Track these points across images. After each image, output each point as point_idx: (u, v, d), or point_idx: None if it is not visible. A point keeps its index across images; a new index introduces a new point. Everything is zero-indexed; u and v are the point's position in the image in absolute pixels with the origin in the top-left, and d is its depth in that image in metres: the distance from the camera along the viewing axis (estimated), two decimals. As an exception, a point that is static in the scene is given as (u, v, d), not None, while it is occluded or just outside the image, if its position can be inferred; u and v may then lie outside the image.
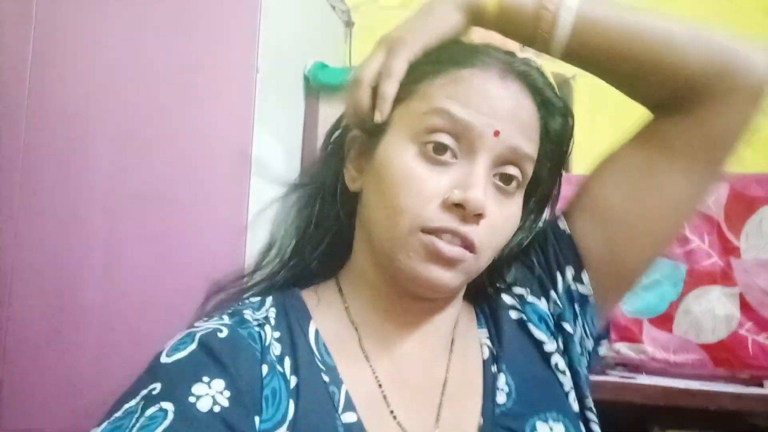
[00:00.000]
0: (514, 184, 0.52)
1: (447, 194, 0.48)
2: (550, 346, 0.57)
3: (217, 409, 0.44)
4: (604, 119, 1.29)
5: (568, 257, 0.59)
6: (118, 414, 0.44)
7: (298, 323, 0.53)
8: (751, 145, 1.22)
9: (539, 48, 0.54)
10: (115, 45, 1.04)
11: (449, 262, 0.49)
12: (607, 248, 0.58)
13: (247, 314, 0.53)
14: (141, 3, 1.03)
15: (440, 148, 0.49)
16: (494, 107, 0.50)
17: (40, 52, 1.06)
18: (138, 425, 0.42)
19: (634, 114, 1.28)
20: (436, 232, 0.48)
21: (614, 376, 1.07)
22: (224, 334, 0.49)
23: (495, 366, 0.55)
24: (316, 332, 0.53)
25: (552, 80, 0.55)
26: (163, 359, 0.47)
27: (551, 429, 0.52)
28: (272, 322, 0.53)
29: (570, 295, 0.59)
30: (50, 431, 0.98)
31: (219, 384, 0.45)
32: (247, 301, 0.56)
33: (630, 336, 1.12)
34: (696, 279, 1.10)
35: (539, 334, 0.57)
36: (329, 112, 1.20)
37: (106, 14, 1.06)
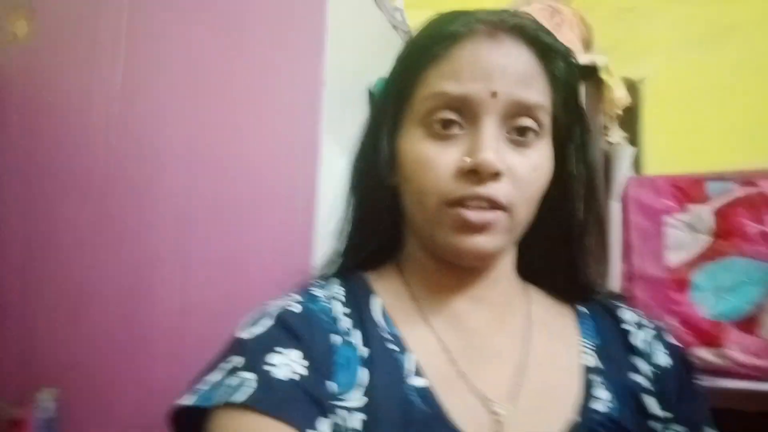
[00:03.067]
0: (530, 134, 0.52)
1: (460, 164, 0.50)
2: (657, 425, 0.54)
3: (296, 377, 0.47)
4: (675, 122, 1.27)
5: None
6: (204, 387, 0.48)
7: (364, 299, 0.56)
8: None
9: None
10: (186, 64, 1.10)
11: (482, 228, 0.50)
12: None
13: (316, 292, 0.56)
14: (209, 24, 1.08)
15: (445, 125, 0.51)
16: (487, 70, 0.50)
17: (128, 80, 1.14)
18: (225, 395, 0.45)
19: (703, 116, 1.26)
20: (461, 202, 0.50)
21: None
22: (298, 309, 0.53)
23: (597, 376, 0.55)
24: (382, 306, 0.56)
25: (545, 26, 0.54)
26: (243, 335, 0.51)
27: None
28: (341, 299, 0.56)
29: None
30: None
31: (296, 354, 0.48)
32: (313, 282, 0.59)
33: (712, 340, 1.07)
34: None
35: (652, 406, 0.54)
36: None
37: (178, 35, 1.12)
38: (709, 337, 1.07)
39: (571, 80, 0.55)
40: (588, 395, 0.53)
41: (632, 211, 1.16)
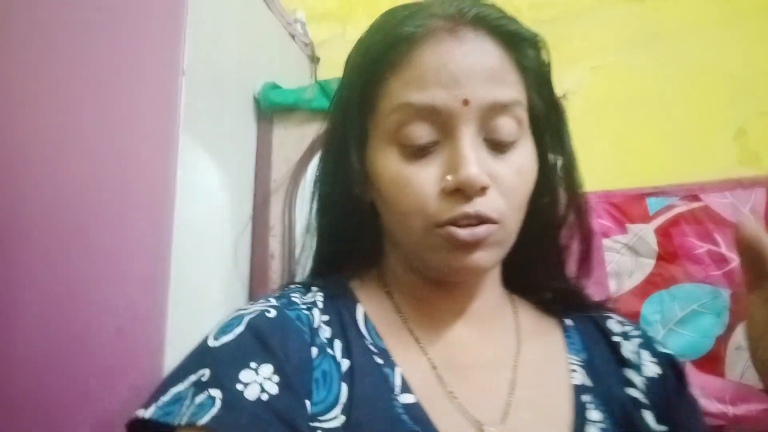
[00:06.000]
0: (510, 134, 0.49)
1: (442, 183, 0.47)
2: None
3: (265, 397, 0.43)
4: (599, 136, 1.15)
5: None
6: (166, 398, 0.44)
7: (346, 307, 0.53)
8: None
9: None
10: (27, 50, 0.92)
11: (475, 244, 0.47)
12: None
13: (295, 297, 0.53)
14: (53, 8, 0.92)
15: (417, 140, 0.48)
16: (453, 73, 0.47)
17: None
18: (188, 413, 0.42)
19: (627, 129, 1.14)
20: (449, 223, 0.47)
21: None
22: (272, 315, 0.49)
23: (588, 396, 0.52)
24: (365, 315, 0.53)
25: (506, 12, 0.51)
26: (211, 342, 0.47)
27: None
28: (320, 305, 0.52)
29: None
30: None
31: (267, 369, 0.45)
32: (292, 286, 0.55)
33: (670, 385, 0.88)
34: (744, 305, 0.88)
35: (650, 421, 0.52)
36: (285, 134, 1.06)
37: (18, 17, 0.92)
38: (667, 381, 0.88)
39: (542, 67, 0.52)
40: (581, 418, 0.50)
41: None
